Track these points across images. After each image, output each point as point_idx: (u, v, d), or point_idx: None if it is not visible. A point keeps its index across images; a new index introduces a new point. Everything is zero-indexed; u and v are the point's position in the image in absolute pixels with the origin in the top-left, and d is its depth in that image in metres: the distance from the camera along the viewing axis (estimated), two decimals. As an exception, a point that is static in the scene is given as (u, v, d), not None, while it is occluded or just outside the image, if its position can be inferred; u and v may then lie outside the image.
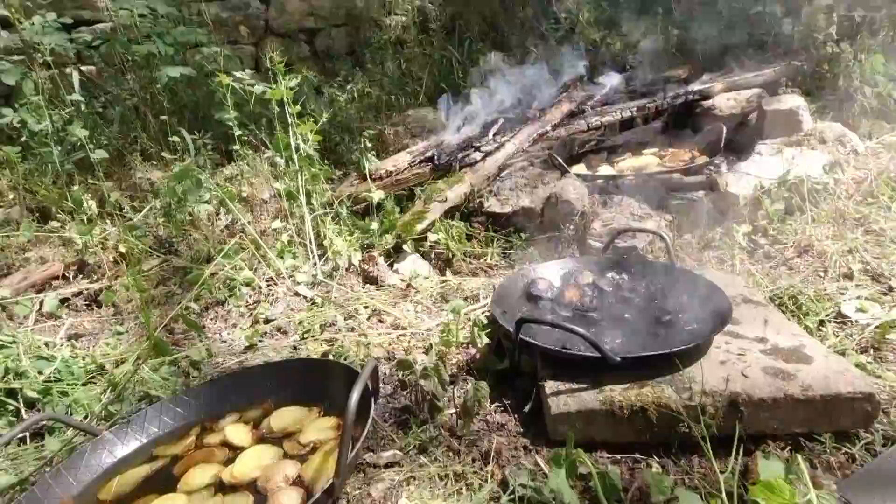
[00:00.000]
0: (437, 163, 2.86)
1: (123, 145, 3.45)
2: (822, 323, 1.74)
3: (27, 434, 1.61)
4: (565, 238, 2.49)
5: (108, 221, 2.76)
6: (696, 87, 3.35)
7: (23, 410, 1.69)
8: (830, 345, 1.60)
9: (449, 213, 2.68)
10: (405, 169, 2.90)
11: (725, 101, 3.26)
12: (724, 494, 0.97)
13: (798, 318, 1.77)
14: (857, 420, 1.28)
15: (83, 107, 3.28)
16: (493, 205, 2.68)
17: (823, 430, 1.28)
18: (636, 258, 2.23)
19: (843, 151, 2.79)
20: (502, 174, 2.90)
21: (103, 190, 2.84)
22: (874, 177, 2.54)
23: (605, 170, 2.98)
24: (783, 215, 2.39)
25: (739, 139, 3.10)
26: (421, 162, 2.92)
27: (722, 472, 1.07)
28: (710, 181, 2.51)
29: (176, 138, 3.11)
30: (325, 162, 3.08)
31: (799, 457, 1.02)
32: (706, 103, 3.29)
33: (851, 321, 1.73)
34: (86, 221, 2.60)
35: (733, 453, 1.13)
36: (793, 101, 3.02)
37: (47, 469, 1.41)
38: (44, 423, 1.59)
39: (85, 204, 2.60)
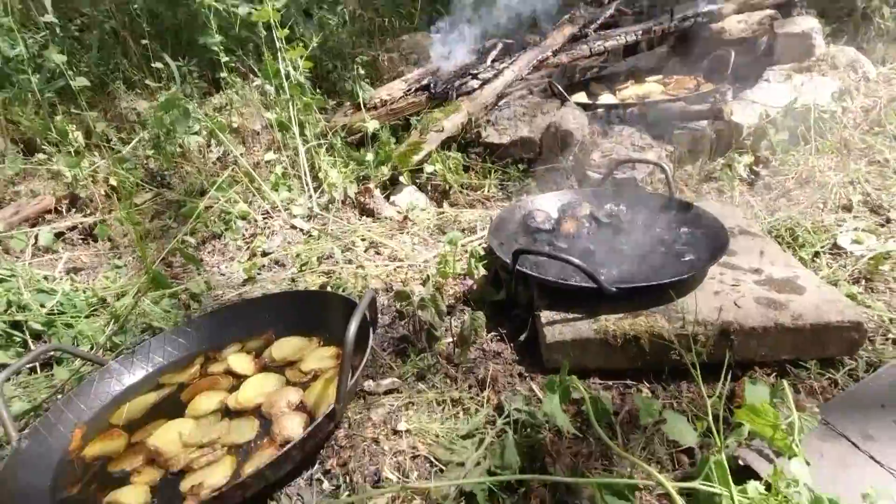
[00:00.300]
0: (433, 91, 2.76)
1: (105, 72, 3.31)
2: (817, 254, 1.75)
3: (37, 364, 1.65)
4: (564, 169, 2.45)
5: (96, 153, 2.69)
6: (704, 7, 3.17)
7: (30, 342, 1.72)
8: (824, 276, 1.62)
9: (446, 144, 2.62)
10: (400, 98, 2.80)
11: (736, 24, 3.10)
12: (710, 417, 1.01)
13: (794, 249, 1.78)
14: (844, 347, 1.31)
15: (58, 30, 3.11)
16: (490, 135, 2.62)
17: (810, 357, 1.32)
18: (635, 190, 2.21)
19: (855, 78, 2.69)
20: (500, 103, 2.80)
21: (88, 120, 2.74)
22: (884, 104, 2.47)
23: (606, 98, 2.88)
24: (787, 145, 2.34)
25: (748, 65, 2.97)
26: (417, 90, 2.82)
27: (710, 397, 1.11)
28: (715, 110, 2.44)
29: (159, 65, 2.97)
30: (318, 91, 2.97)
31: (785, 382, 1.05)
32: (715, 26, 3.13)
33: (846, 252, 1.74)
34: (73, 153, 2.53)
35: (721, 379, 1.17)
36: (806, 23, 2.87)
37: (59, 396, 1.45)
38: (51, 353, 1.63)
39: (70, 135, 2.52)
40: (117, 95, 3.07)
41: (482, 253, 1.81)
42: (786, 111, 2.38)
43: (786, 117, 2.37)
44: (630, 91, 2.92)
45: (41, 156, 2.68)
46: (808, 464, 0.93)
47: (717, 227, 1.61)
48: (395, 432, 1.23)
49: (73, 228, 2.42)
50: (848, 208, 1.99)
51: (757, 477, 0.96)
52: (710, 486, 0.83)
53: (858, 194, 2.03)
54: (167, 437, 1.24)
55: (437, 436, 1.19)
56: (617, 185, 2.20)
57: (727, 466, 0.84)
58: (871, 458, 1.03)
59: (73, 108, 2.79)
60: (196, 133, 2.57)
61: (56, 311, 1.81)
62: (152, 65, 3.01)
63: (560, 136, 2.48)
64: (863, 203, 2.00)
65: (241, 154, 2.58)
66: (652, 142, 2.45)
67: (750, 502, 0.83)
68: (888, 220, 1.89)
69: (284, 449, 1.04)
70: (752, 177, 2.30)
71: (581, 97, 2.88)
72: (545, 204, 1.98)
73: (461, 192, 2.49)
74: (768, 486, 0.88)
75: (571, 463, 1.10)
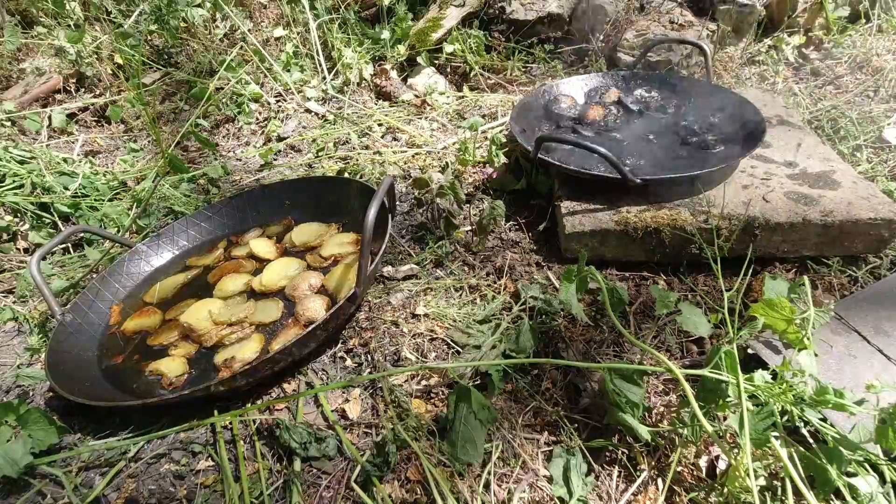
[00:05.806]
0: (454, -44, 2.49)
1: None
2: (858, 148, 1.66)
3: (69, 245, 1.71)
4: (593, 51, 2.28)
5: (97, 28, 2.55)
6: None
7: (59, 223, 1.77)
8: (862, 171, 1.55)
9: (466, 21, 2.42)
10: (418, -36, 2.54)
11: None
12: (726, 310, 1.02)
13: (834, 142, 1.69)
14: (871, 245, 1.29)
15: None
16: (516, 10, 2.40)
17: (833, 254, 1.31)
18: (669, 74, 2.06)
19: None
20: (529, -29, 2.53)
21: (84, -10, 2.56)
22: (964, -24, 2.18)
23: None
24: (845, 24, 2.12)
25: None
26: (436, -45, 2.55)
27: (727, 291, 1.11)
28: (769, -19, 2.18)
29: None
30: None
31: (805, 278, 1.05)
32: None
33: (890, 146, 1.64)
34: (73, 27, 2.40)
35: (741, 274, 1.16)
36: None
37: (93, 276, 1.52)
38: (80, 234, 1.68)
39: (67, 6, 2.37)
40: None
41: (503, 140, 1.75)
42: (850, -17, 2.12)
43: (849, -10, 2.12)
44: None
45: (41, 29, 2.55)
46: (815, 355, 0.95)
47: (753, 117, 1.51)
48: (414, 316, 1.27)
49: (84, 110, 2.37)
50: (901, 97, 1.84)
51: (765, 367, 0.99)
52: (718, 374, 0.87)
53: (915, 81, 1.87)
54: (198, 315, 1.30)
55: (455, 320, 1.24)
56: (649, 69, 2.05)
57: (737, 356, 0.87)
58: (880, 351, 1.05)
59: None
60: (199, 5, 2.40)
61: (79, 194, 1.83)
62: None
63: (592, 12, 2.27)
64: (918, 92, 1.85)
65: (249, 30, 2.42)
66: (693, 19, 2.24)
67: (755, 390, 0.87)
68: (943, 111, 1.75)
69: (309, 328, 1.09)
70: (800, 61, 2.11)
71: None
72: (571, 89, 1.86)
73: (482, 74, 2.35)
74: (775, 376, 0.91)
75: (584, 349, 1.15)
